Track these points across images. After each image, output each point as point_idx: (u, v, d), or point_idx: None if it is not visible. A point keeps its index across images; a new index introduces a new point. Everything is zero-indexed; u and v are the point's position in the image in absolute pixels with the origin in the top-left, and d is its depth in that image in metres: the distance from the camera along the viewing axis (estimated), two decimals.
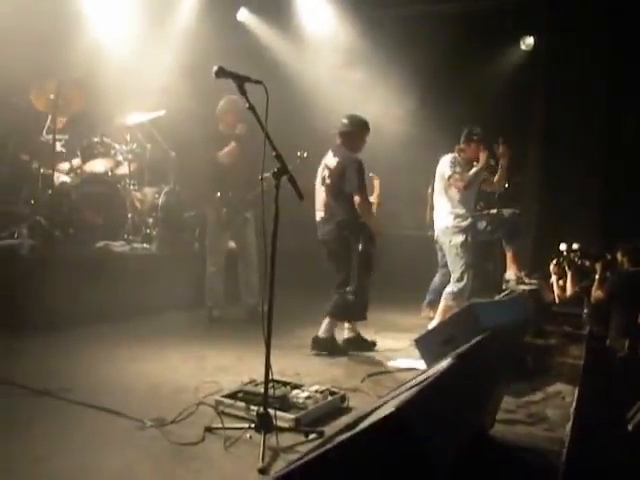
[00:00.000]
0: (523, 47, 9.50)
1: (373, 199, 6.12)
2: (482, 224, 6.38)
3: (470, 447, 2.91)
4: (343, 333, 5.88)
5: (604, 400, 4.48)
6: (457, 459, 2.49)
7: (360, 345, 5.80)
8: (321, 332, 5.61)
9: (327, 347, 5.56)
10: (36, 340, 5.25)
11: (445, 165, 6.34)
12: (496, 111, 8.49)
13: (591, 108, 8.72)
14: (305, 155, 6.36)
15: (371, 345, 5.86)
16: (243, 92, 3.44)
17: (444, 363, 2.94)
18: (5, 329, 5.25)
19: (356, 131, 5.69)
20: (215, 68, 3.48)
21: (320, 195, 5.72)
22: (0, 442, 3.30)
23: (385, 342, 6.09)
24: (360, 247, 5.47)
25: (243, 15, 9.69)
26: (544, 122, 9.30)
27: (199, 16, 8.66)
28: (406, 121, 9.07)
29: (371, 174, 6.18)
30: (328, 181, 5.62)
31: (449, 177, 6.26)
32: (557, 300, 7.19)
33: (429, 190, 7.55)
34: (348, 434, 2.23)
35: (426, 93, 9.20)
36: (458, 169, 6.24)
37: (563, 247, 7.38)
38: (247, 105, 3.42)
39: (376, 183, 6.31)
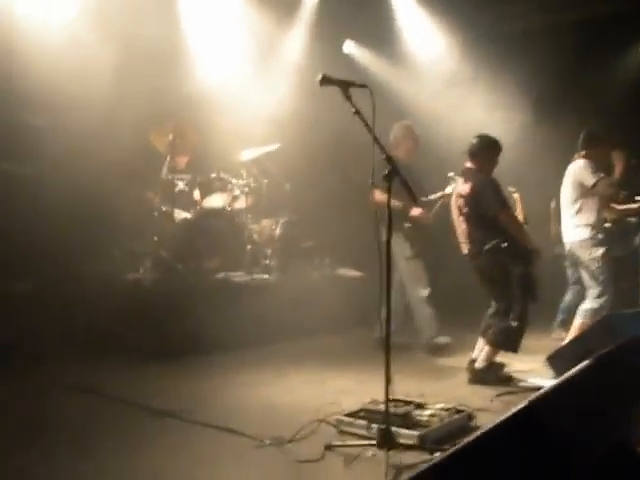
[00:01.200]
0: None
1: (518, 215, 5.82)
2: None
3: (613, 461, 2.61)
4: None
5: None
6: (596, 469, 2.22)
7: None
8: (479, 361, 5.18)
9: (487, 377, 5.11)
10: (156, 368, 5.36)
11: (581, 172, 5.85)
12: (618, 122, 7.97)
13: None
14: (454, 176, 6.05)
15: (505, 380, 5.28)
16: (348, 97, 3.38)
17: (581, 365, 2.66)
18: (136, 357, 5.47)
19: (487, 152, 5.33)
20: (319, 76, 3.44)
21: (460, 227, 5.39)
22: (116, 458, 3.33)
23: (514, 364, 5.72)
24: (518, 271, 5.06)
25: (349, 47, 9.76)
26: None
27: (306, 49, 8.80)
28: (519, 137, 8.71)
29: (510, 188, 5.91)
30: (465, 210, 5.28)
31: (595, 184, 5.77)
32: None
33: (552, 204, 7.17)
34: (476, 433, 2.03)
35: (539, 109, 8.82)
36: (601, 174, 5.78)
37: None
38: (353, 110, 3.35)
39: (516, 197, 6.02)
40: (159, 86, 7.03)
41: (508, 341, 5.16)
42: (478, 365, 5.16)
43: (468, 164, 5.34)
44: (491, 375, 5.10)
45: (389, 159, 3.25)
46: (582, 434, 2.12)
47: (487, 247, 5.11)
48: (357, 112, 3.32)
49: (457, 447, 1.99)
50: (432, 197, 6.23)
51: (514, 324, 5.10)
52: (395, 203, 5.86)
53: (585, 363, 2.65)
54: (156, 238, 6.91)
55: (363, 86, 3.38)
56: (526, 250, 5.15)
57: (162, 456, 3.39)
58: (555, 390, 2.16)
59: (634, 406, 3.05)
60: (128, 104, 6.62)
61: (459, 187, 5.39)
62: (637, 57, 9.02)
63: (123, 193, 6.98)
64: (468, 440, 1.97)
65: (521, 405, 1.93)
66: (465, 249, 5.36)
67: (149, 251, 6.80)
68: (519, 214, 5.88)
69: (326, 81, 3.43)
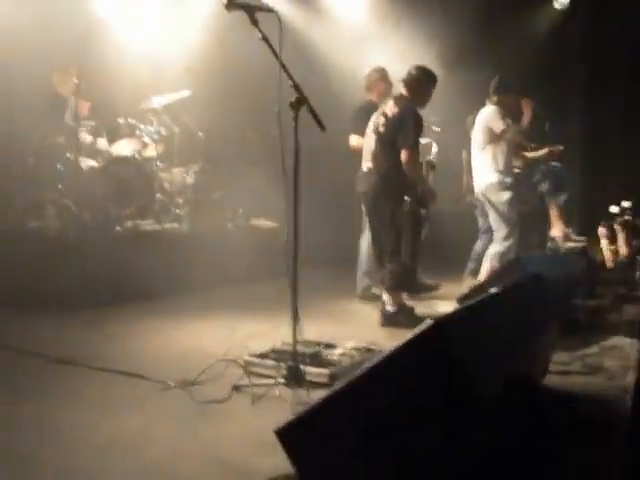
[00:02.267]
0: (557, 6, 9.05)
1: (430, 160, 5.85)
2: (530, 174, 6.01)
3: (518, 390, 2.62)
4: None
5: None
6: (502, 396, 2.21)
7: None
8: (388, 305, 5.16)
9: (398, 320, 5.08)
10: (60, 317, 5.09)
11: (491, 118, 5.89)
12: (531, 74, 8.09)
13: (631, 63, 8.25)
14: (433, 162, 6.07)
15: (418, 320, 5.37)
16: (255, 22, 3.22)
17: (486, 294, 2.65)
18: (36, 307, 5.17)
19: (423, 83, 5.28)
20: (224, 0, 3.25)
21: (369, 144, 5.29)
22: (9, 405, 3.14)
23: (427, 310, 5.78)
24: (407, 206, 5.07)
25: None
26: (582, 82, 8.88)
27: None
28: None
29: (435, 128, 5.86)
30: (382, 129, 5.17)
31: (502, 131, 5.84)
32: (609, 265, 6.78)
33: (463, 155, 7.22)
34: (379, 357, 1.97)
35: (453, 60, 8.81)
36: (509, 121, 5.84)
37: (614, 209, 6.98)
38: (260, 36, 3.19)
39: (433, 144, 5.99)
40: (62, 28, 6.59)
41: (405, 282, 5.23)
42: (388, 308, 5.14)
43: (403, 91, 5.30)
44: (402, 317, 5.09)
45: (296, 87, 3.12)
46: (484, 359, 2.09)
47: (383, 172, 5.12)
48: (264, 38, 3.18)
49: (364, 367, 1.93)
50: None
51: (404, 262, 5.12)
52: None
53: (490, 293, 2.64)
54: (60, 186, 6.56)
55: (270, 10, 3.25)
56: (419, 191, 5.16)
57: (57, 402, 3.22)
58: (460, 312, 2.13)
59: (535, 340, 3.08)
60: (30, 45, 6.18)
61: (388, 107, 5.27)
62: (549, 11, 9.14)
63: (24, 138, 6.59)
64: (376, 359, 1.91)
65: (427, 324, 1.88)
66: (365, 167, 5.31)
67: (53, 200, 6.45)
68: (434, 161, 5.86)
69: (232, 5, 3.26)
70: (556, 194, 6.06)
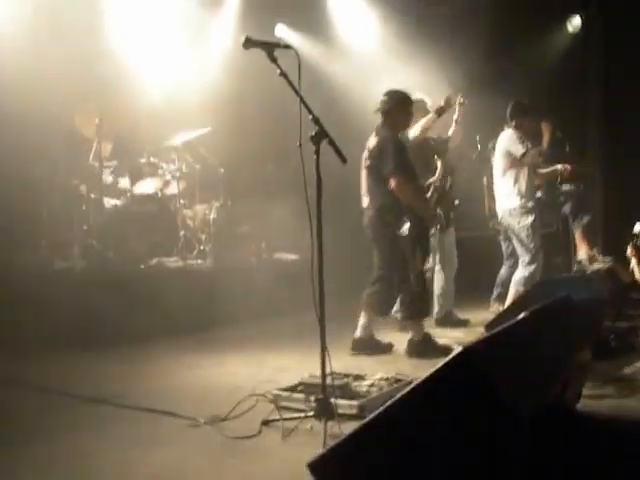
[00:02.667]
0: (570, 28, 9.08)
1: (434, 182, 5.83)
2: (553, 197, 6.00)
3: (552, 416, 2.58)
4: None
5: None
6: (536, 423, 2.17)
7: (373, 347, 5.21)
8: (414, 337, 5.12)
9: (424, 350, 5.03)
10: (90, 356, 5.13)
11: (510, 142, 5.91)
12: (547, 97, 8.08)
13: None
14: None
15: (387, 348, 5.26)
16: (273, 59, 3.27)
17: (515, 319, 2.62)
18: (63, 346, 5.21)
19: (397, 107, 5.22)
20: (242, 39, 3.33)
21: (363, 180, 5.35)
22: (48, 445, 3.17)
23: (455, 335, 5.76)
24: (405, 231, 4.97)
25: (281, 30, 9.63)
26: (601, 104, 8.85)
27: (237, 32, 8.61)
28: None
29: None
30: (367, 163, 5.22)
31: (523, 154, 5.83)
32: None
33: (484, 181, 7.19)
34: (410, 387, 1.95)
35: (468, 87, 8.82)
36: (529, 145, 5.85)
37: (638, 228, 6.90)
38: (278, 72, 3.24)
39: (439, 165, 5.98)
40: (84, 69, 6.74)
41: (419, 308, 5.18)
42: (415, 339, 5.11)
43: (381, 120, 5.30)
44: (428, 347, 5.05)
45: (316, 120, 3.15)
46: (516, 382, 2.07)
47: (379, 205, 5.11)
48: (283, 74, 3.22)
49: (395, 397, 1.92)
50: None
51: (416, 290, 5.08)
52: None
53: (519, 317, 2.62)
54: (85, 227, 6.67)
55: (288, 47, 3.29)
56: (417, 216, 5.09)
57: (95, 440, 3.23)
58: (490, 338, 2.11)
59: (568, 364, 3.04)
60: (52, 88, 6.31)
61: (369, 140, 5.31)
62: (564, 34, 9.16)
63: (48, 181, 6.70)
64: (407, 389, 1.90)
65: (457, 351, 1.86)
66: (364, 202, 5.32)
67: (78, 240, 6.54)
68: (438, 182, 5.85)
69: (250, 43, 3.31)
70: (579, 216, 6.02)
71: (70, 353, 5.13)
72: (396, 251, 5.07)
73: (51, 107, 6.36)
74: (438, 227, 5.95)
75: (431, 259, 6.18)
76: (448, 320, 6.33)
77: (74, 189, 6.87)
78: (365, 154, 5.30)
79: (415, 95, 6.28)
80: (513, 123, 5.94)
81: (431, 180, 5.95)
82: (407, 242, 5.02)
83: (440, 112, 5.95)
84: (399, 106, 5.26)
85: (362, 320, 5.23)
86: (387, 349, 5.21)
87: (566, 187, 6.22)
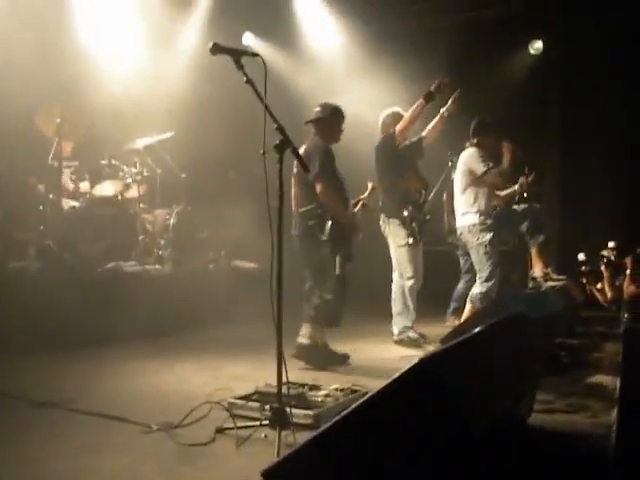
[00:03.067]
0: (532, 51, 9.29)
1: (362, 198, 5.70)
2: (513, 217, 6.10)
3: (504, 428, 2.62)
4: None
5: None
6: (489, 435, 2.21)
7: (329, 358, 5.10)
8: (304, 337, 5.06)
9: (313, 355, 5.00)
10: (42, 359, 5.03)
11: (471, 160, 6.00)
12: (508, 117, 8.23)
13: (607, 107, 8.45)
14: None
15: (343, 358, 5.14)
16: (240, 67, 3.27)
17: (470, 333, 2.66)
18: (16, 348, 5.05)
19: (329, 118, 5.27)
20: (210, 44, 3.32)
21: (293, 188, 5.29)
22: None
23: (410, 350, 5.79)
24: (326, 235, 4.92)
25: (248, 39, 9.64)
26: (560, 125, 9.07)
27: (204, 39, 8.59)
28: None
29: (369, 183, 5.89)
30: (295, 170, 5.18)
31: (484, 173, 5.91)
32: (604, 303, 6.90)
33: (444, 197, 7.29)
34: (365, 397, 1.97)
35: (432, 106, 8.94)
36: (491, 164, 5.93)
37: (582, 257, 7.19)
38: (245, 79, 3.24)
39: (369, 185, 5.90)
40: (47, 67, 6.64)
41: (326, 315, 5.08)
42: (302, 341, 5.04)
43: (312, 131, 5.32)
44: (315, 353, 5.01)
45: (281, 129, 3.16)
46: (470, 395, 2.10)
47: (302, 210, 5.08)
48: (249, 81, 3.22)
49: (350, 408, 1.93)
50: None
51: (328, 297, 5.02)
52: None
53: (475, 331, 2.66)
54: (42, 227, 6.54)
55: (255, 55, 3.30)
56: (341, 223, 5.03)
57: (41, 444, 3.16)
58: (445, 351, 2.14)
59: (521, 377, 3.10)
60: (13, 85, 6.20)
61: (300, 150, 5.19)
62: (524, 58, 9.37)
63: (5, 179, 6.57)
64: (362, 400, 1.92)
65: (412, 362, 1.89)
66: (293, 207, 5.24)
67: (34, 240, 6.42)
68: (365, 198, 5.72)
69: (217, 49, 3.31)
70: (535, 234, 6.13)
71: (21, 355, 5.01)
72: (317, 255, 5.04)
73: (12, 105, 6.23)
74: (410, 241, 5.95)
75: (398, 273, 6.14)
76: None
77: (32, 188, 6.75)
78: (295, 162, 5.19)
79: (391, 109, 6.35)
80: (475, 140, 6.05)
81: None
82: (328, 247, 4.98)
83: (428, 98, 5.87)
84: (331, 117, 5.29)
85: (305, 330, 5.11)
86: (342, 360, 5.12)
87: (523, 206, 6.32)
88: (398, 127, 5.97)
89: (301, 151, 5.03)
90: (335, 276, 5.00)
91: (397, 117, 6.14)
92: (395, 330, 6.05)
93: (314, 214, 5.02)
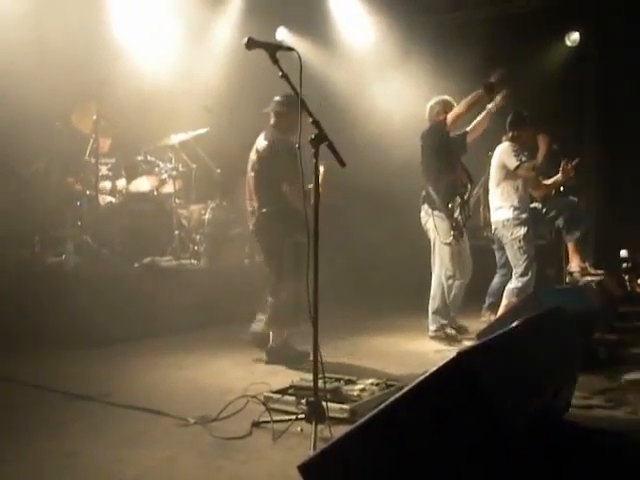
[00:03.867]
0: (568, 43, 9.13)
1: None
2: (547, 210, 5.97)
3: (542, 424, 2.59)
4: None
5: None
6: (529, 429, 2.19)
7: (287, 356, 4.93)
8: (272, 343, 4.97)
9: (284, 356, 4.89)
10: (80, 353, 5.13)
11: (506, 155, 5.92)
12: (544, 110, 8.11)
13: None
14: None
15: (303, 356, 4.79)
16: (275, 61, 3.28)
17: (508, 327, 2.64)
18: (54, 343, 5.20)
19: (287, 110, 4.90)
20: (245, 39, 3.34)
21: (249, 183, 5.09)
22: (32, 440, 3.16)
23: (444, 346, 5.75)
24: (292, 242, 4.71)
25: (282, 34, 9.66)
26: (596, 119, 8.91)
27: (238, 35, 8.63)
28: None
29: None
30: (257, 166, 4.97)
31: (517, 167, 5.81)
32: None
33: (479, 190, 7.21)
34: (402, 391, 1.96)
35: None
36: (524, 158, 5.83)
37: (624, 253, 7.05)
38: (280, 74, 3.25)
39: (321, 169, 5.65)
40: (84, 65, 6.75)
41: (283, 316, 4.91)
42: (272, 345, 4.96)
43: (271, 122, 5.07)
44: (285, 353, 4.91)
45: (316, 123, 3.16)
46: (508, 390, 2.08)
47: (264, 210, 4.92)
48: (284, 75, 3.23)
49: (387, 402, 1.93)
50: None
51: (285, 298, 4.85)
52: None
53: (512, 325, 2.63)
54: (79, 223, 6.66)
55: (290, 49, 3.30)
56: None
57: (81, 438, 3.22)
58: (482, 345, 2.12)
59: (559, 372, 3.06)
60: (49, 84, 6.30)
61: (259, 142, 5.07)
62: (562, 48, 9.22)
63: (43, 177, 6.69)
64: (399, 394, 1.91)
65: (451, 356, 1.88)
66: (249, 207, 5.09)
67: (72, 235, 6.53)
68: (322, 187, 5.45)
69: (252, 44, 3.32)
70: (572, 229, 6.03)
71: (60, 350, 5.12)
72: (282, 256, 4.87)
73: (49, 103, 6.34)
74: (454, 236, 5.71)
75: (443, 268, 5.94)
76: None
77: (69, 185, 6.87)
78: (253, 156, 5.07)
79: (440, 97, 6.08)
80: (511, 134, 5.97)
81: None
82: (292, 248, 4.76)
83: (489, 89, 5.61)
84: (295, 110, 4.93)
85: (261, 316, 5.10)
86: (302, 358, 4.80)
87: (560, 199, 6.22)
88: (450, 115, 5.73)
89: (262, 146, 4.98)
90: (294, 273, 4.69)
91: (447, 105, 5.92)
92: (432, 327, 5.94)
93: (281, 215, 4.87)
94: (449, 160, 5.82)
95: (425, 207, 5.93)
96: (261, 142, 5.05)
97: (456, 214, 5.72)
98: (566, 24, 9.17)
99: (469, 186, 5.92)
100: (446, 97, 6.04)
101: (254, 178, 5.03)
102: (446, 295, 5.93)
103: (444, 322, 5.91)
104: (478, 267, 7.39)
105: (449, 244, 5.76)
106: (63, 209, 6.78)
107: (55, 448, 3.05)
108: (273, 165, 4.89)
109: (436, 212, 5.80)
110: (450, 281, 5.90)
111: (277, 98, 5.05)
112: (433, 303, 5.97)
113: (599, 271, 6.08)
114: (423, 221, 6.00)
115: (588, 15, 8.90)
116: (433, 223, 5.82)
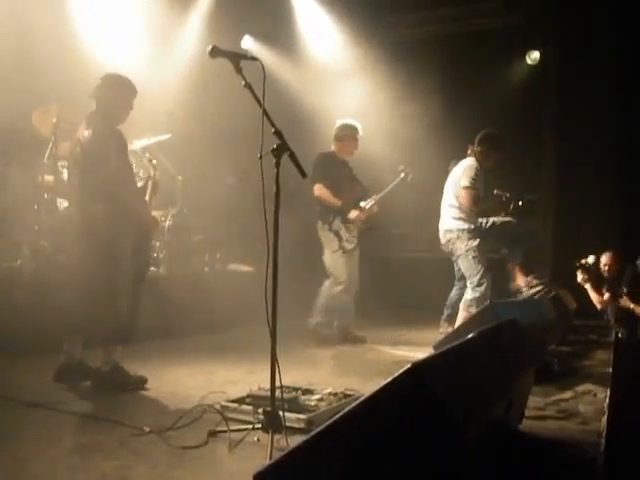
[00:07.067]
0: (529, 61, 9.33)
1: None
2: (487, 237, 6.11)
3: (495, 435, 2.64)
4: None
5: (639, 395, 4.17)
6: (481, 440, 2.22)
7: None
8: (103, 366, 4.28)
9: (115, 380, 4.26)
10: (30, 359, 5.01)
11: (465, 172, 6.01)
12: (506, 127, 8.27)
13: (605, 119, 8.51)
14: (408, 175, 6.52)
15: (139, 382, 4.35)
16: (239, 70, 3.28)
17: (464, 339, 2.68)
18: (6, 349, 5.05)
19: (115, 92, 4.45)
20: (209, 48, 3.33)
21: (70, 175, 4.64)
22: None
23: (403, 354, 5.81)
24: (130, 245, 4.28)
25: (247, 42, 9.67)
26: (556, 135, 9.12)
27: (203, 43, 8.61)
28: (412, 145, 8.76)
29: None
30: (80, 157, 4.37)
31: (465, 187, 5.94)
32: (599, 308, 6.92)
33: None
34: (357, 401, 1.98)
35: (430, 115, 8.95)
36: (477, 184, 5.92)
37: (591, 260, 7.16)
38: (243, 83, 3.26)
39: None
40: (45, 68, 6.65)
41: (116, 332, 4.35)
42: (103, 369, 4.28)
43: (94, 107, 4.52)
44: (117, 377, 4.29)
45: (278, 133, 3.17)
46: (462, 400, 2.11)
47: (93, 208, 4.29)
48: (247, 85, 3.23)
49: (343, 412, 1.94)
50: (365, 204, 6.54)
51: (123, 309, 4.33)
52: (333, 201, 6.30)
53: (467, 337, 2.67)
54: (37, 227, 6.53)
55: (254, 59, 3.31)
56: (138, 223, 4.40)
57: (31, 446, 3.15)
58: (438, 356, 2.15)
59: (512, 384, 3.11)
60: (10, 85, 6.21)
61: (79, 132, 4.43)
62: (522, 66, 9.41)
63: (1, 179, 6.56)
64: (354, 403, 1.93)
65: (405, 367, 1.90)
66: (62, 205, 4.74)
67: (29, 240, 6.41)
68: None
69: (216, 53, 3.32)
70: (514, 250, 6.18)
71: (10, 355, 5.00)
72: (105, 262, 4.26)
73: (8, 104, 6.23)
74: (348, 247, 6.35)
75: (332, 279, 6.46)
76: (346, 337, 6.50)
77: (27, 188, 6.74)
78: (77, 148, 4.47)
79: (346, 121, 6.53)
80: (479, 148, 6.04)
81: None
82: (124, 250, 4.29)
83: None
84: (120, 91, 4.52)
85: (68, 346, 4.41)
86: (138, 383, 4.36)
87: (497, 228, 6.21)
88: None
89: (84, 136, 4.35)
90: (131, 285, 4.35)
91: (352, 131, 6.50)
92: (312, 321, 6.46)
93: (107, 213, 4.26)
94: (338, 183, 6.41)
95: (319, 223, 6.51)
96: (83, 132, 4.37)
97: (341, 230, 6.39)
98: (527, 43, 9.39)
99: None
100: (351, 122, 6.57)
101: (81, 172, 4.44)
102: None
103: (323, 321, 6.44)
104: (435, 280, 7.51)
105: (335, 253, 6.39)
106: (20, 213, 6.65)
107: (6, 455, 2.99)
108: (102, 160, 4.22)
109: (326, 226, 6.45)
110: (340, 287, 6.42)
111: (98, 82, 4.54)
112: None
113: (542, 281, 6.22)
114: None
115: (549, 34, 9.13)
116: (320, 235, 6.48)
